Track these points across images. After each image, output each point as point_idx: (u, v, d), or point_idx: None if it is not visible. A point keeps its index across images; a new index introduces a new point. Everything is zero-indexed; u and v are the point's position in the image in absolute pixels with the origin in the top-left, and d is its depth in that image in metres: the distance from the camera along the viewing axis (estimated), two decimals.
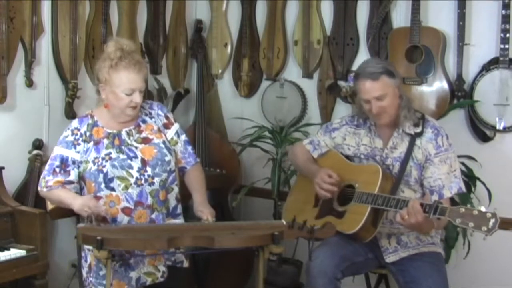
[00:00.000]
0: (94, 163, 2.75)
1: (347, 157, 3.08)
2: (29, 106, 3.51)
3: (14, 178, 3.39)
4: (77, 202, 2.68)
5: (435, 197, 2.83)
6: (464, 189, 2.93)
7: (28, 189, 3.39)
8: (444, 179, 2.85)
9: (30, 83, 3.47)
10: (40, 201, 3.24)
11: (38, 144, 3.48)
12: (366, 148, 3.01)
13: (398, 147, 2.93)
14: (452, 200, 2.94)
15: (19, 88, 3.45)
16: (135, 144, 2.80)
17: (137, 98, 2.73)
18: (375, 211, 2.82)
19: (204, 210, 2.83)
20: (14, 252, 2.94)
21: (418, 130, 2.90)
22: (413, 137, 2.89)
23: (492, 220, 2.43)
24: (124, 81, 2.70)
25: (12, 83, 3.40)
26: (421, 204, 2.63)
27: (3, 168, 3.21)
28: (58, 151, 2.80)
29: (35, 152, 3.45)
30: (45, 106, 3.58)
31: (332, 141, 3.13)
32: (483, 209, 2.47)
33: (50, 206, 3.04)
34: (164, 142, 2.85)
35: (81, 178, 2.81)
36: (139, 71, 2.73)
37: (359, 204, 2.85)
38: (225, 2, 4.38)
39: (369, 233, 2.87)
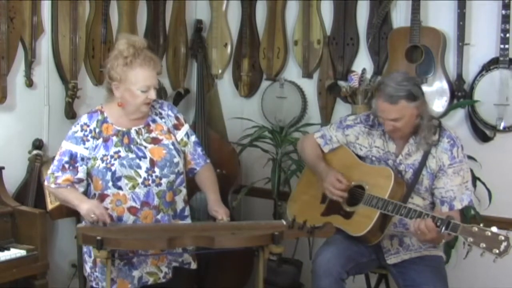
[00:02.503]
0: (102, 160, 2.73)
1: (358, 156, 3.02)
2: (29, 106, 3.51)
3: (14, 178, 3.39)
4: (84, 207, 2.67)
5: (445, 208, 2.82)
6: (474, 201, 2.91)
7: (28, 189, 3.39)
8: (456, 191, 2.82)
9: (30, 83, 3.47)
10: (40, 201, 3.24)
11: (38, 144, 3.48)
12: (378, 150, 2.95)
13: (412, 155, 2.88)
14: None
15: (19, 88, 3.45)
16: (144, 143, 2.79)
17: (153, 94, 2.73)
18: (383, 216, 2.80)
19: (219, 210, 2.82)
20: (14, 252, 2.94)
21: (435, 138, 2.84)
22: (429, 146, 2.84)
23: (504, 244, 2.43)
24: (140, 79, 2.69)
25: (12, 83, 3.40)
26: (433, 217, 2.61)
27: (3, 168, 3.21)
28: (67, 146, 2.77)
29: (35, 152, 3.45)
30: (45, 106, 3.58)
31: (345, 138, 3.06)
32: (495, 229, 2.47)
33: (50, 206, 3.04)
34: (173, 144, 2.83)
35: (88, 174, 2.79)
36: (154, 68, 2.73)
37: (368, 208, 2.81)
38: (225, 2, 4.38)
39: (376, 237, 2.85)
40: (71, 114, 3.60)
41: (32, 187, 3.36)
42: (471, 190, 2.87)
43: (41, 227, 3.05)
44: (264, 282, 2.70)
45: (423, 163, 2.84)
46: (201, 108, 4.21)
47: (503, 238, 2.43)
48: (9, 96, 3.34)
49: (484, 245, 2.46)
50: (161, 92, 4.15)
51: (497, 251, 2.43)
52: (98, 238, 2.40)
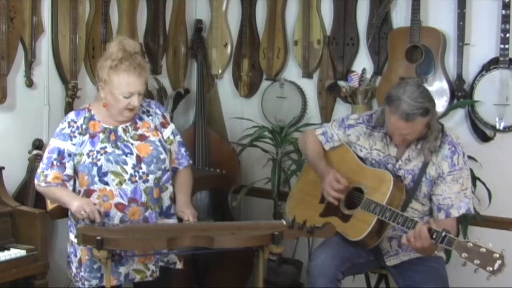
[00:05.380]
0: (88, 156, 2.73)
1: (358, 157, 2.98)
2: (29, 106, 3.51)
3: (14, 178, 3.39)
4: (74, 204, 2.67)
5: (442, 215, 2.79)
6: (472, 209, 2.86)
7: (28, 189, 3.39)
8: (453, 199, 2.78)
9: (30, 83, 3.47)
10: (40, 201, 3.24)
11: (38, 144, 3.48)
12: (378, 153, 2.91)
13: (413, 160, 2.83)
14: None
15: (19, 88, 3.45)
16: (131, 140, 2.79)
17: (135, 101, 2.71)
18: (381, 222, 2.77)
19: (185, 211, 2.81)
20: (14, 252, 2.94)
21: (436, 144, 2.78)
22: (430, 154, 2.80)
23: (499, 262, 2.39)
24: (123, 84, 2.68)
25: (12, 83, 3.40)
26: (429, 229, 2.57)
27: (3, 168, 3.21)
28: (55, 143, 2.78)
29: (35, 152, 3.45)
30: (45, 106, 3.58)
31: (346, 137, 3.02)
32: (490, 246, 2.43)
33: (50, 206, 3.04)
34: (160, 141, 2.84)
35: (74, 171, 2.79)
36: (140, 75, 2.70)
37: (366, 212, 2.78)
38: (225, 2, 4.38)
39: (373, 241, 2.83)
40: None
41: (32, 187, 3.35)
42: (469, 197, 2.81)
43: (41, 227, 3.05)
44: (264, 282, 2.70)
45: (423, 170, 2.80)
46: (201, 108, 4.21)
47: (497, 256, 2.40)
48: (9, 96, 3.35)
49: (478, 262, 2.42)
50: (161, 92, 4.16)
51: (491, 269, 2.40)
52: (98, 238, 2.40)
